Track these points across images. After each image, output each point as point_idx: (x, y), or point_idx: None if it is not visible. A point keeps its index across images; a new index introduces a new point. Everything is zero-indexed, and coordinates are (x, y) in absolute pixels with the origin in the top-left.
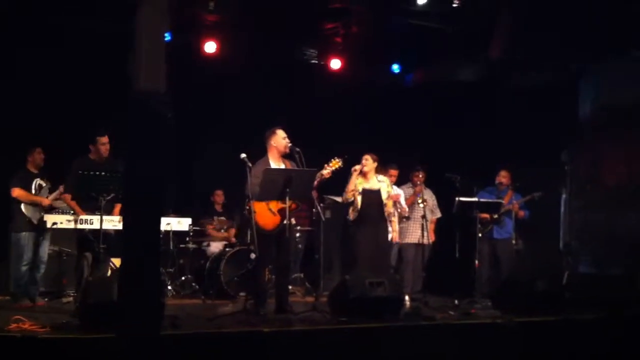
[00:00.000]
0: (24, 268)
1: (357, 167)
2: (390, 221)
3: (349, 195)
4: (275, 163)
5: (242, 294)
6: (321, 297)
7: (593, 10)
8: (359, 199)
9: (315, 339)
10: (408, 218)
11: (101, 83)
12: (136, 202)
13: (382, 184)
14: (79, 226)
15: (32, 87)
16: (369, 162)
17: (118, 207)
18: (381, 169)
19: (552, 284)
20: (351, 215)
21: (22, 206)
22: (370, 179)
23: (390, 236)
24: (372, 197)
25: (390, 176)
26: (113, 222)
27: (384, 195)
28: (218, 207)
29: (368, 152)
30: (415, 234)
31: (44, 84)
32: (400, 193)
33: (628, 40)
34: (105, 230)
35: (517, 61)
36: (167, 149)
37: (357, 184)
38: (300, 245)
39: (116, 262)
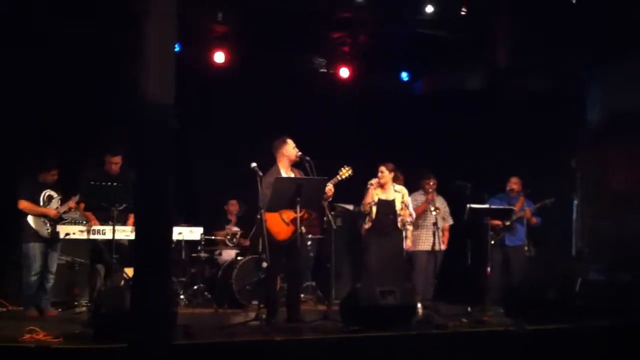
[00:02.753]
0: (33, 278)
1: (374, 181)
2: (406, 230)
3: (366, 208)
4: (286, 172)
5: (254, 302)
6: (333, 305)
7: (598, 14)
8: (374, 209)
9: (327, 347)
10: (417, 226)
11: (114, 95)
12: (147, 212)
13: (398, 194)
14: (92, 237)
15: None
16: (385, 175)
17: (131, 217)
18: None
19: (564, 291)
20: (365, 225)
21: (29, 218)
22: (388, 189)
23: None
24: (387, 207)
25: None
26: (125, 232)
27: (398, 206)
28: (231, 217)
29: (382, 162)
30: (427, 242)
31: (61, 91)
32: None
33: (634, 43)
34: (118, 240)
35: (523, 68)
36: (177, 159)
37: (373, 195)
38: (311, 254)
39: (129, 272)
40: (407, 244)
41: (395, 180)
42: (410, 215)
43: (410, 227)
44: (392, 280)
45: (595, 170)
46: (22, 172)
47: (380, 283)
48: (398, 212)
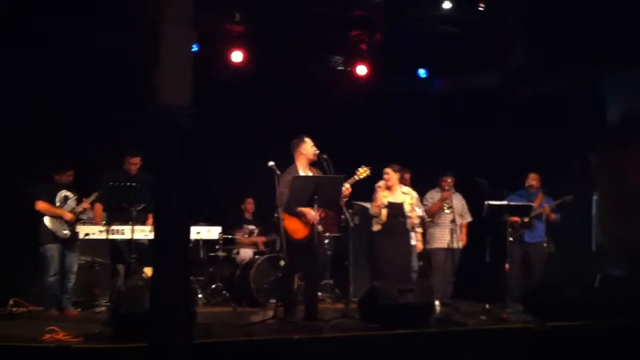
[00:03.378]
0: (51, 279)
1: (381, 183)
2: (415, 232)
3: (375, 210)
4: (303, 171)
5: (272, 301)
6: (351, 303)
7: (615, 13)
8: (384, 212)
9: (346, 345)
10: (434, 223)
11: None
12: (165, 212)
13: (406, 196)
14: (111, 236)
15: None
16: (391, 176)
17: (151, 217)
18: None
19: (583, 288)
20: (374, 227)
21: (46, 219)
22: (395, 191)
23: (414, 245)
24: (396, 209)
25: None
26: (144, 232)
27: (407, 208)
28: (248, 215)
29: (390, 164)
30: (444, 239)
31: (77, 93)
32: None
33: None
34: (138, 240)
35: (541, 66)
36: (195, 158)
37: (382, 198)
38: (329, 252)
39: (148, 271)
40: (419, 246)
41: (400, 180)
42: (420, 216)
43: (419, 229)
44: (402, 280)
45: (615, 167)
46: (38, 174)
47: (399, 282)
48: (407, 213)
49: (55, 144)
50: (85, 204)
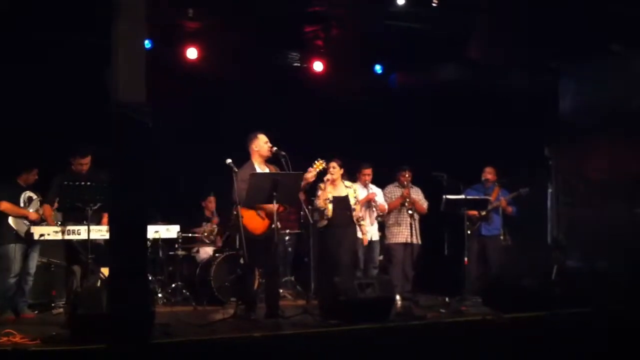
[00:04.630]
0: (11, 281)
1: (329, 176)
2: (360, 225)
3: (321, 204)
4: (260, 167)
5: (232, 299)
6: (312, 300)
7: (571, 9)
8: (329, 207)
9: (307, 342)
10: (393, 219)
11: (85, 95)
12: (122, 212)
13: (349, 189)
14: (67, 237)
15: (19, 98)
16: (335, 170)
17: (106, 216)
18: (355, 170)
19: (541, 279)
20: (321, 223)
21: (10, 219)
22: (338, 185)
23: (360, 238)
24: (341, 203)
25: (364, 175)
26: (101, 232)
27: (352, 201)
28: (208, 213)
29: (337, 158)
30: (402, 234)
31: (29, 96)
32: (378, 192)
33: (607, 37)
34: (94, 240)
35: (496, 61)
36: (152, 157)
37: (327, 192)
38: (290, 249)
39: (105, 271)
40: (364, 238)
41: (359, 175)
42: (382, 207)
43: (364, 222)
44: (349, 273)
45: (569, 161)
46: (1, 174)
47: (358, 277)
48: (352, 206)
49: (18, 144)
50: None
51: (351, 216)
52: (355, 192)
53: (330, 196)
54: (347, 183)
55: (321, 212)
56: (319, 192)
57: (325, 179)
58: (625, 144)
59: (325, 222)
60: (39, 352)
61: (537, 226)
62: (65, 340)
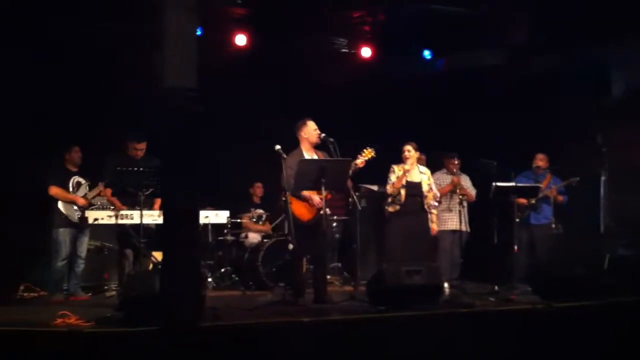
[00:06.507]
0: (60, 264)
1: (406, 166)
2: (431, 213)
3: (394, 190)
4: (308, 154)
5: (280, 284)
6: (359, 286)
7: None
8: (402, 192)
9: (354, 328)
10: (440, 202)
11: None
12: (174, 197)
13: (424, 175)
14: (120, 221)
15: (65, 90)
16: (411, 154)
17: (158, 201)
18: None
19: (592, 268)
20: (391, 207)
21: (60, 204)
22: (412, 170)
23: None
24: (414, 189)
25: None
26: (153, 217)
27: (425, 187)
28: (256, 199)
29: (407, 142)
30: (452, 222)
31: (75, 86)
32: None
33: None
34: (146, 224)
35: (543, 45)
36: (201, 142)
37: (402, 178)
38: (337, 235)
39: (157, 255)
40: (433, 227)
41: (417, 161)
42: (435, 196)
43: (435, 211)
44: (418, 261)
45: (622, 146)
46: (50, 159)
47: (407, 264)
48: (425, 193)
49: (59, 129)
50: (101, 187)
51: (422, 203)
52: (430, 178)
53: (404, 181)
54: (423, 169)
55: (392, 196)
56: (391, 177)
57: (403, 167)
58: None
59: (396, 208)
60: (93, 334)
61: (589, 215)
62: (118, 322)
